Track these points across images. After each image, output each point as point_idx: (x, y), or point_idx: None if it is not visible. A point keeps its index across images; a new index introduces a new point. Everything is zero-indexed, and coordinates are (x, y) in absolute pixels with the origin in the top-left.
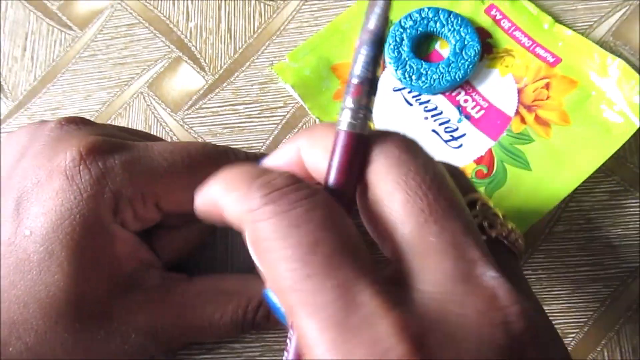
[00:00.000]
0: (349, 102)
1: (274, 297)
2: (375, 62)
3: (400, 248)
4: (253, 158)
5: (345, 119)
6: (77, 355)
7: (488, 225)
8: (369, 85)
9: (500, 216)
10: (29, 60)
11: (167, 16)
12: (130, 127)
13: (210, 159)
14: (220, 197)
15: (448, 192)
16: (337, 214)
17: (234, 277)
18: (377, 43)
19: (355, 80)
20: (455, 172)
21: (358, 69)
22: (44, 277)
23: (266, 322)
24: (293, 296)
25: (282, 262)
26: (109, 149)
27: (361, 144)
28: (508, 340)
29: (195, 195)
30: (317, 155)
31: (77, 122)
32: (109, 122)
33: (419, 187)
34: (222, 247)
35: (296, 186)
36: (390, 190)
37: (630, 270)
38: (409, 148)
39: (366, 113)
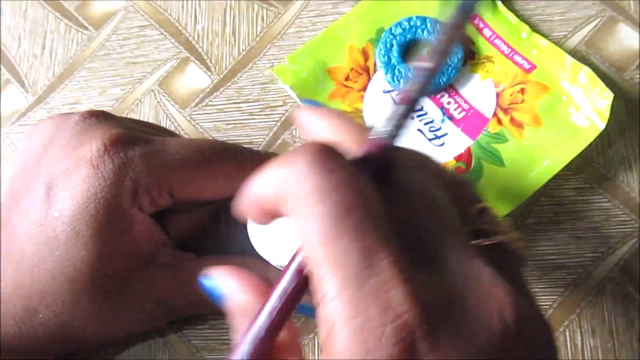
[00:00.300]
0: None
1: (208, 283)
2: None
3: None
4: (257, 155)
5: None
6: (98, 322)
7: (493, 232)
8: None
9: (504, 224)
10: (48, 58)
11: (177, 19)
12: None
13: (218, 155)
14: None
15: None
16: (370, 188)
17: (235, 259)
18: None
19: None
20: (461, 184)
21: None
22: (70, 254)
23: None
24: (321, 252)
25: (318, 219)
26: (130, 142)
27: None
28: (500, 326)
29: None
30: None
31: (99, 116)
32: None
33: None
34: (224, 233)
35: (343, 156)
36: None
37: (592, 259)
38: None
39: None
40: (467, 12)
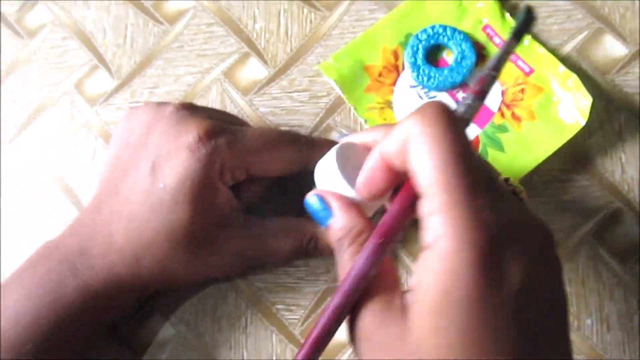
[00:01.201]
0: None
1: (314, 203)
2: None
3: None
4: (312, 141)
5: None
6: (189, 268)
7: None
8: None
9: (514, 182)
10: (130, 47)
11: (239, 18)
12: (211, 106)
13: (284, 142)
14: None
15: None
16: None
17: (292, 219)
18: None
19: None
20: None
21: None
22: (171, 216)
23: (314, 251)
24: (437, 177)
25: (440, 152)
26: (218, 132)
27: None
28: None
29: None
30: (390, 143)
31: (189, 108)
32: (193, 101)
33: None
34: (283, 200)
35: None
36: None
37: (571, 226)
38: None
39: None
40: (525, 28)
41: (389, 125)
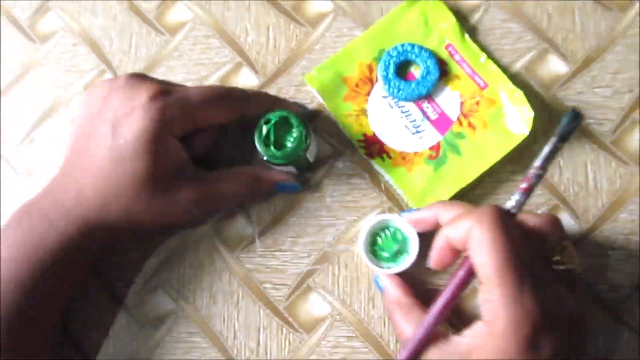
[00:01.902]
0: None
1: (378, 280)
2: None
3: None
4: (245, 93)
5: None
6: (150, 213)
7: (566, 261)
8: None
9: (574, 255)
10: (134, 55)
11: (233, 31)
12: None
13: (223, 95)
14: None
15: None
16: (520, 240)
17: (236, 167)
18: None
19: (532, 172)
20: (554, 223)
21: (539, 161)
22: (132, 167)
23: (259, 191)
24: (494, 274)
25: (496, 256)
26: (166, 92)
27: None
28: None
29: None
30: (448, 215)
31: (139, 76)
32: None
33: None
34: (230, 149)
35: (509, 218)
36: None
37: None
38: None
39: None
40: (571, 129)
41: (445, 206)
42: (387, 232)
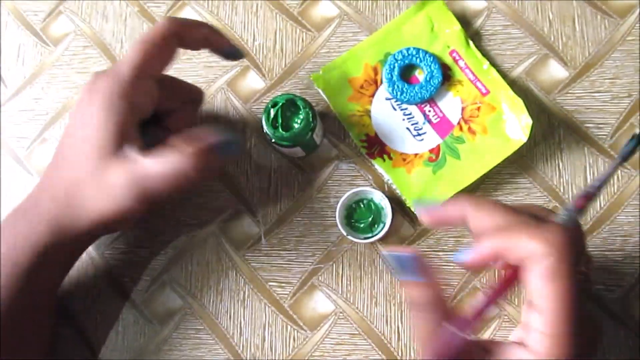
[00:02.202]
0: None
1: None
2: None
3: None
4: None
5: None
6: (94, 182)
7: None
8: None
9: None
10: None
11: (240, 36)
12: (214, 113)
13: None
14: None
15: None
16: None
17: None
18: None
19: (586, 191)
20: (583, 234)
21: (595, 181)
22: (82, 135)
23: (195, 171)
24: (546, 302)
25: (557, 284)
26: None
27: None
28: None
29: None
30: (481, 218)
31: (99, 73)
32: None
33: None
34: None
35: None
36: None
37: None
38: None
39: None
40: (632, 152)
41: (478, 206)
42: (361, 204)
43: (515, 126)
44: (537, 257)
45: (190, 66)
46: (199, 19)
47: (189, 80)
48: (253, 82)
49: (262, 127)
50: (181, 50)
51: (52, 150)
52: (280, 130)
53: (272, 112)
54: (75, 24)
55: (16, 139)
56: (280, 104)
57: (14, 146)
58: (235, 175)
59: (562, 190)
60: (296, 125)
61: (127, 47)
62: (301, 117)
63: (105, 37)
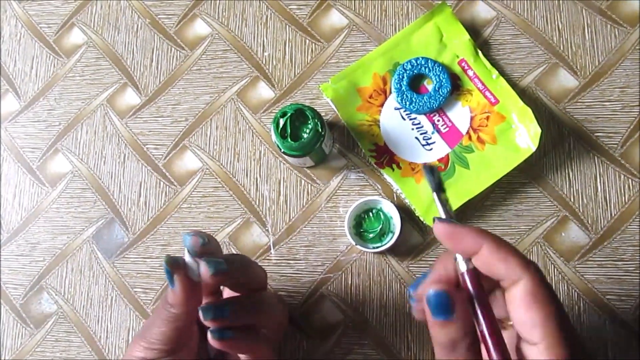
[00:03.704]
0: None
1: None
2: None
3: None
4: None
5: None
6: None
7: None
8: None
9: None
10: (155, 69)
11: (250, 47)
12: (223, 123)
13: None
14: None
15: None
16: None
17: None
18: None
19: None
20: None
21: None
22: None
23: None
24: (533, 322)
25: (541, 309)
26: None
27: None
28: None
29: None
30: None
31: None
32: (211, 117)
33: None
34: None
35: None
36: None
37: (526, 230)
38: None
39: None
40: (438, 187)
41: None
42: (371, 214)
43: (524, 135)
44: (520, 280)
45: (200, 77)
46: (209, 30)
47: (198, 92)
48: (263, 92)
49: (271, 137)
50: (190, 61)
51: (64, 161)
52: (289, 140)
53: (281, 122)
54: (87, 36)
55: (30, 150)
56: (289, 114)
57: (27, 157)
58: (245, 185)
59: (572, 199)
60: (305, 135)
61: (138, 58)
62: (310, 126)
63: (117, 48)
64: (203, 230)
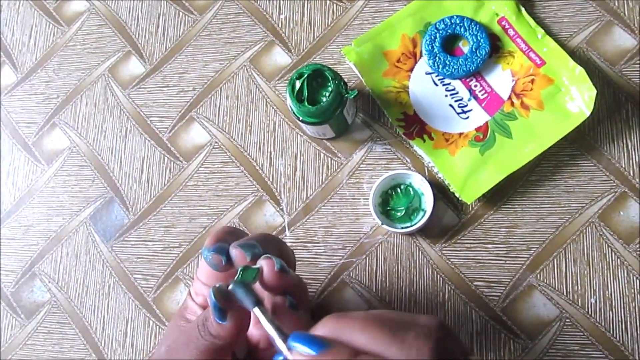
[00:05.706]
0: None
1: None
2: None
3: None
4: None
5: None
6: None
7: None
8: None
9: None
10: (162, 36)
11: (265, 9)
12: (234, 92)
13: None
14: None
15: None
16: None
17: None
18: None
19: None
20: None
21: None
22: None
23: None
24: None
25: None
26: None
27: None
28: None
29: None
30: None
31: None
32: (220, 86)
33: None
34: None
35: None
36: None
37: (578, 208)
38: None
39: None
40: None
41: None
42: (399, 190)
43: (576, 98)
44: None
45: (210, 43)
46: None
47: (208, 58)
48: (278, 58)
49: (286, 104)
50: (199, 26)
51: (61, 136)
52: (306, 104)
53: (298, 84)
54: (89, 2)
55: (25, 125)
56: (307, 74)
57: (22, 132)
58: (258, 160)
59: (631, 173)
60: (324, 100)
61: (143, 25)
62: (330, 89)
63: (121, 14)
64: (210, 211)
